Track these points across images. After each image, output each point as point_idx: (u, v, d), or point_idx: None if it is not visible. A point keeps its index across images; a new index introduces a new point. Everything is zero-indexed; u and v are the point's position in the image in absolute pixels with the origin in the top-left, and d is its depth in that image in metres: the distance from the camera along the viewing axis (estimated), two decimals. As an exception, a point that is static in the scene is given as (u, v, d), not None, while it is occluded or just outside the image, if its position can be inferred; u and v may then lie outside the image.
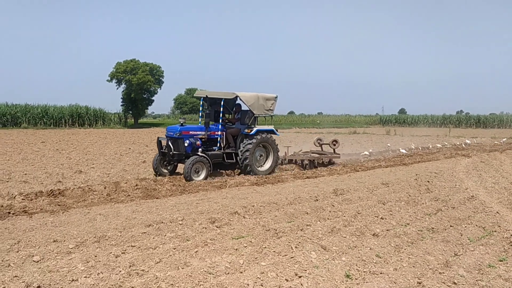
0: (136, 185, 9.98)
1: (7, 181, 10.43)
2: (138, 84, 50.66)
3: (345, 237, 5.97)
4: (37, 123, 41.66)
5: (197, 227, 6.33)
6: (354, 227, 6.45)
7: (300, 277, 4.55)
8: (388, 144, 21.81)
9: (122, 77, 51.83)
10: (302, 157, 14.69)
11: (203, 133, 12.03)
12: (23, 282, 4.24)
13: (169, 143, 11.67)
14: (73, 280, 4.33)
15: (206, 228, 6.32)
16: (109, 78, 52.62)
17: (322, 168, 14.13)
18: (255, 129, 12.47)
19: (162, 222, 6.50)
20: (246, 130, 12.52)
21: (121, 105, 54.00)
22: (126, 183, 10.28)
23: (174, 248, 5.35)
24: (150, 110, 77.04)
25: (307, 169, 13.91)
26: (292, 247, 5.48)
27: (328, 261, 5.05)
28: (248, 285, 4.29)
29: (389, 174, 12.62)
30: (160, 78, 54.57)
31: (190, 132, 11.79)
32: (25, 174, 11.65)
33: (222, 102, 12.27)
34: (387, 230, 6.42)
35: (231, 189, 10.07)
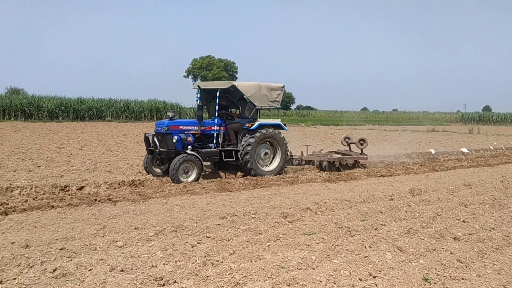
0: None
1: (94, 171, 11.20)
2: (213, 80, 52.18)
3: (423, 239, 5.72)
4: (119, 117, 44.20)
5: (270, 221, 6.39)
6: (433, 229, 6.16)
7: (374, 277, 4.43)
8: (462, 150, 20.48)
9: (198, 73, 53.70)
10: (321, 158, 12.98)
11: (196, 128, 10.81)
12: (108, 265, 4.53)
13: (155, 139, 10.40)
14: (152, 266, 4.56)
15: (278, 222, 6.36)
16: (185, 74, 54.68)
17: (398, 166, 13.58)
18: (256, 123, 11.00)
19: (235, 215, 6.64)
20: (247, 125, 11.08)
21: (196, 100, 55.87)
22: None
23: (247, 241, 5.44)
24: (224, 105, 78.65)
25: (326, 171, 12.36)
26: (365, 246, 5.36)
27: (405, 263, 4.87)
28: (320, 281, 4.26)
29: (472, 175, 11.90)
30: (234, 74, 55.71)
31: (180, 127, 10.57)
32: (109, 164, 12.42)
33: (217, 93, 11.02)
34: (470, 234, 6.06)
35: (302, 185, 10.05)
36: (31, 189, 8.30)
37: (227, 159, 10.92)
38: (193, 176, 10.00)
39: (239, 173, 11.17)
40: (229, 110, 12.06)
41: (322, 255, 5.00)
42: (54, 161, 12.57)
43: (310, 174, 11.40)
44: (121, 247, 5.20)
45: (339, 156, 13.02)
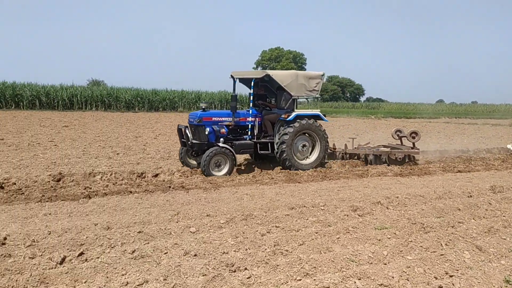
0: (280, 168, 10.37)
1: (167, 159, 11.68)
2: (281, 71, 52.23)
3: (504, 239, 5.37)
4: (191, 107, 45.51)
5: (339, 214, 6.31)
6: (516, 229, 5.76)
7: (451, 276, 4.24)
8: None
9: (266, 65, 53.90)
10: (366, 151, 11.98)
11: (230, 119, 10.33)
12: (182, 249, 4.72)
13: (187, 131, 10.23)
14: (224, 252, 4.69)
15: (347, 215, 6.27)
16: (254, 66, 55.12)
17: (477, 162, 12.79)
18: (293, 114, 10.35)
19: (304, 206, 6.63)
20: (283, 116, 10.50)
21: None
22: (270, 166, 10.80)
23: (316, 233, 5.42)
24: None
25: (373, 164, 11.58)
26: (441, 244, 5.13)
27: (484, 263, 4.61)
28: (393, 277, 4.15)
29: (562, 173, 10.95)
30: (303, 65, 55.28)
31: (213, 119, 10.15)
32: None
33: (252, 83, 10.42)
34: (559, 236, 5.59)
35: (373, 178, 9.80)
36: (111, 175, 8.82)
37: (262, 152, 10.51)
38: (225, 169, 9.59)
39: (277, 169, 10.68)
40: (267, 100, 11.47)
41: (395, 251, 4.87)
42: (131, 149, 13.27)
43: (381, 168, 11.07)
44: (194, 233, 5.39)
45: (387, 149, 12.06)
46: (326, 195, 7.68)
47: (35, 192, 7.19)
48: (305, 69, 55.57)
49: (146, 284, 3.90)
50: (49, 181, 8.09)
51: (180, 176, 9.35)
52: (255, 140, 10.49)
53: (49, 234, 5.09)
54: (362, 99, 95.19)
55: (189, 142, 10.12)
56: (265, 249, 4.79)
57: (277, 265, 4.29)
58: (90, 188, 7.58)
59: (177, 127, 10.65)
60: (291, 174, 9.71)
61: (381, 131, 23.31)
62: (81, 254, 4.49)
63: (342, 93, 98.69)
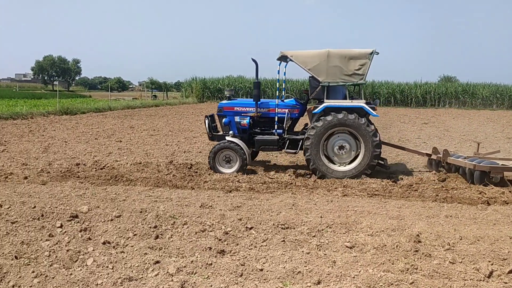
0: None
1: None
2: None
3: None
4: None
5: None
6: None
7: None
8: None
9: None
10: (470, 164, 7.66)
11: (254, 109, 8.92)
12: None
13: (206, 121, 9.17)
14: None
15: None
16: None
17: None
18: (321, 106, 8.29)
19: None
20: (311, 108, 8.79)
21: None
22: None
23: None
24: None
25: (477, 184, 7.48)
26: None
27: None
28: None
29: None
30: None
31: (235, 108, 9.05)
32: None
33: (279, 67, 8.89)
34: None
35: None
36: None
37: (287, 150, 8.77)
38: (235, 167, 8.46)
39: None
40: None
41: None
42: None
43: None
44: None
45: (500, 164, 7.83)
46: None
47: (428, 190, 7.12)
48: None
49: None
50: (434, 180, 7.96)
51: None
52: (285, 135, 8.90)
53: (461, 239, 4.82)
54: None
55: (209, 135, 9.27)
56: None
57: None
58: (485, 193, 6.93)
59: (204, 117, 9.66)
60: None
61: None
62: (511, 272, 3.97)
63: None
